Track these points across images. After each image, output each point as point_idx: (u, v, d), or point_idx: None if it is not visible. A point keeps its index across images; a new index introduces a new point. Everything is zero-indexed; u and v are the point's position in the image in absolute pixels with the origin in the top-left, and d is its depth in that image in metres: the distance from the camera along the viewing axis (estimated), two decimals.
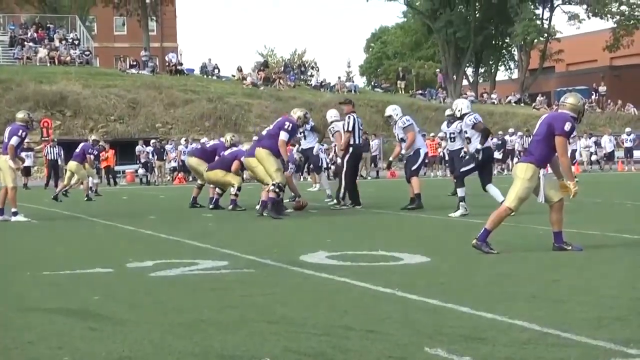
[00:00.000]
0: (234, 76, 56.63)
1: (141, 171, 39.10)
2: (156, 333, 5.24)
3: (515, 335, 5.00)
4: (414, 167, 16.02)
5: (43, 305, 6.37)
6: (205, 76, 55.54)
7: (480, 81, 76.53)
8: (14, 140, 15.13)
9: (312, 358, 4.52)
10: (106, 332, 5.30)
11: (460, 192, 14.32)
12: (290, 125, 14.47)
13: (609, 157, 43.62)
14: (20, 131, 15.16)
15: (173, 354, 4.67)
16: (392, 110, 16.39)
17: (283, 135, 14.32)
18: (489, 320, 5.46)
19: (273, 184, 14.21)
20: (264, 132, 15.73)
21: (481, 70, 77.59)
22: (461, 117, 14.68)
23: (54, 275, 8.04)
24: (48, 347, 4.91)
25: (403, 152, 16.25)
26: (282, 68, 62.43)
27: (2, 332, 5.40)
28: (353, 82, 64.83)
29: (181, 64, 56.46)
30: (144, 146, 38.76)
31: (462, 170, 14.47)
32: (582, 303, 6.02)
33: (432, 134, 39.21)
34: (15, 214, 15.20)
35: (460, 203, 14.20)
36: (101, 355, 4.68)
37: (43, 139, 39.98)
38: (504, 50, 76.64)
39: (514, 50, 75.14)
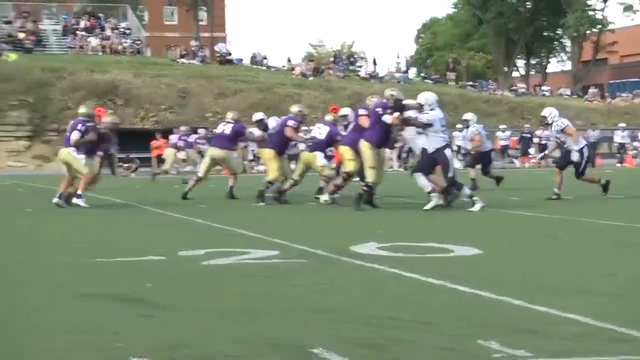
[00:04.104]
0: (284, 67, 56.69)
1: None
2: (209, 321, 5.27)
3: (570, 328, 4.94)
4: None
5: (97, 291, 6.43)
6: (254, 66, 55.65)
7: (532, 73, 75.78)
8: (75, 135, 15.47)
9: (366, 349, 4.51)
10: (160, 319, 5.34)
11: (466, 190, 14.21)
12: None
13: None
14: (80, 125, 15.42)
15: (226, 342, 4.69)
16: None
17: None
18: (542, 313, 5.41)
19: (365, 182, 14.65)
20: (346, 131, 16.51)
21: (532, 62, 76.76)
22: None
23: (107, 262, 8.13)
24: (102, 333, 4.96)
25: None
26: (332, 59, 62.33)
27: (56, 318, 5.47)
28: (405, 73, 64.12)
29: (230, 54, 56.61)
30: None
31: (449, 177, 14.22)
32: (639, 297, 5.94)
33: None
34: (79, 196, 15.34)
35: (473, 198, 13.93)
36: (155, 341, 4.72)
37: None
38: (555, 42, 75.81)
39: (566, 42, 74.26)
